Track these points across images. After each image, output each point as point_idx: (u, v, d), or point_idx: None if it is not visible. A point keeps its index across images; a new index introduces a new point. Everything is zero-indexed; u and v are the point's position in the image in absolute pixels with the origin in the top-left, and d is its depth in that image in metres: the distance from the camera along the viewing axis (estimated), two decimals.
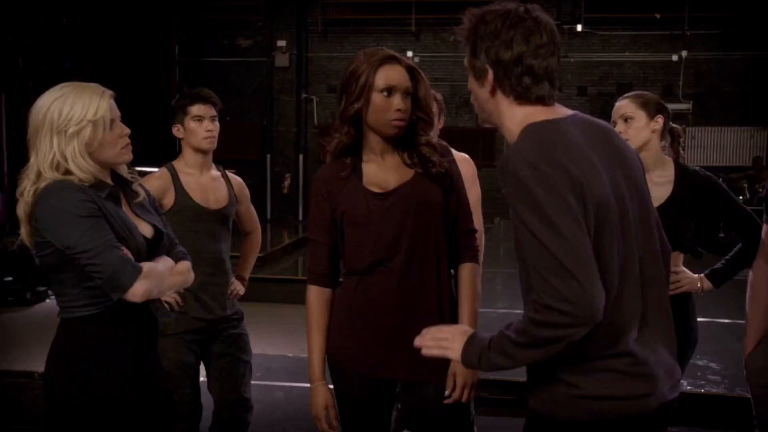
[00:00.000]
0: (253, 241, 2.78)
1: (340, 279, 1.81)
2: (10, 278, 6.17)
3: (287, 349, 4.85)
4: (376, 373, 1.72)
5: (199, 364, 2.51)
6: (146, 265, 1.63)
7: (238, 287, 2.63)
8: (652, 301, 1.33)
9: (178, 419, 2.40)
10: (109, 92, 1.69)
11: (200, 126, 2.46)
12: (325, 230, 1.75)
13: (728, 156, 11.30)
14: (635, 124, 2.27)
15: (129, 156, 1.74)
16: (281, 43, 11.97)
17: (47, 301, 6.17)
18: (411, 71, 1.71)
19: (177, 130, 2.50)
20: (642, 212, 1.34)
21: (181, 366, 2.41)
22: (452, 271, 1.79)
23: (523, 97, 1.32)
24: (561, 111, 1.36)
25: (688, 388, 3.47)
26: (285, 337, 5.21)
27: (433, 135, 2.70)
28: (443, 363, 1.70)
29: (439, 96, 2.74)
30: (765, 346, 2.06)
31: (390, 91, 1.67)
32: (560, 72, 1.36)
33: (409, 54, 12.00)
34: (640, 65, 11.65)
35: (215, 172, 2.57)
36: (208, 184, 2.51)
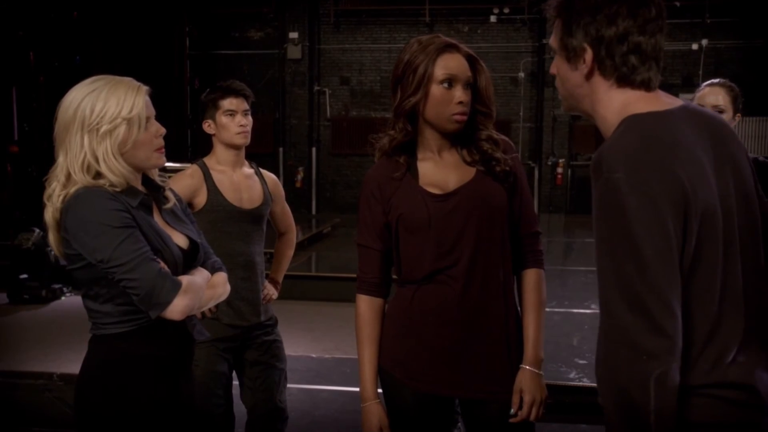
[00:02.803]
0: (287, 241, 2.65)
1: (393, 277, 1.68)
2: (25, 276, 6.09)
3: (309, 350, 4.74)
4: (434, 390, 1.59)
5: (232, 372, 2.39)
6: (185, 279, 1.50)
7: (271, 291, 2.50)
8: (754, 321, 1.18)
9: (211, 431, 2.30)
10: (145, 87, 1.56)
11: (232, 121, 2.32)
12: (378, 235, 1.62)
13: (751, 147, 11.07)
14: (724, 117, 2.21)
15: (163, 160, 1.60)
16: (293, 35, 11.85)
17: (62, 298, 6.10)
18: (470, 60, 1.57)
19: (208, 126, 2.36)
20: (749, 222, 1.19)
21: (213, 375, 2.29)
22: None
23: (626, 79, 1.17)
24: (666, 100, 1.20)
25: None
26: (305, 336, 5.10)
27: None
28: (508, 378, 1.58)
29: None
30: None
31: (451, 82, 1.53)
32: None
33: None
34: None
35: (248, 170, 2.43)
36: (242, 182, 2.37)
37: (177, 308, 1.45)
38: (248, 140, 2.37)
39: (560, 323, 4.59)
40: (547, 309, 5.68)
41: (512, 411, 1.56)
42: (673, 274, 1.07)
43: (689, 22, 11.24)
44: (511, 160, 1.61)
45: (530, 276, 1.64)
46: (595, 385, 3.72)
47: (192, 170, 2.34)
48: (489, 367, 1.57)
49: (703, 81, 10.06)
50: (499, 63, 11.88)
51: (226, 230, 2.30)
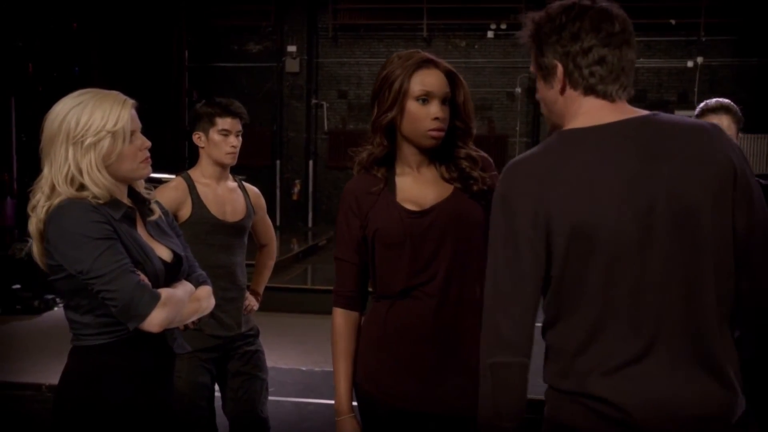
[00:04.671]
0: (268, 253, 2.69)
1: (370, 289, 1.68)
2: (18, 286, 6.09)
3: (299, 362, 4.73)
4: (409, 406, 1.59)
5: (214, 383, 2.40)
6: (165, 292, 1.51)
7: (252, 302, 2.53)
8: (667, 341, 1.16)
9: None
10: (130, 101, 1.58)
11: (225, 141, 2.35)
12: (354, 249, 1.62)
13: None
14: None
15: (148, 170, 1.62)
16: (291, 48, 11.91)
17: (55, 309, 6.09)
18: (450, 76, 1.58)
19: (198, 138, 2.38)
20: (682, 240, 1.16)
21: (195, 386, 2.30)
22: None
23: (593, 89, 1.24)
24: (620, 112, 1.24)
25: None
26: (296, 348, 5.09)
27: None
28: None
29: None
30: None
31: (427, 98, 1.54)
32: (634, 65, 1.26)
33: None
34: (654, 72, 11.51)
35: (232, 183, 2.46)
36: (225, 195, 2.40)
37: (155, 321, 1.46)
38: (236, 160, 2.40)
39: None
40: (539, 324, 5.69)
41: None
42: (520, 283, 1.20)
43: (684, 40, 11.33)
44: (489, 178, 1.61)
45: None
46: None
47: (176, 182, 2.36)
48: (463, 383, 1.57)
49: (699, 99, 10.06)
50: (496, 78, 11.95)
51: (210, 242, 2.32)
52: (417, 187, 1.60)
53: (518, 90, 11.83)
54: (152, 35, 10.87)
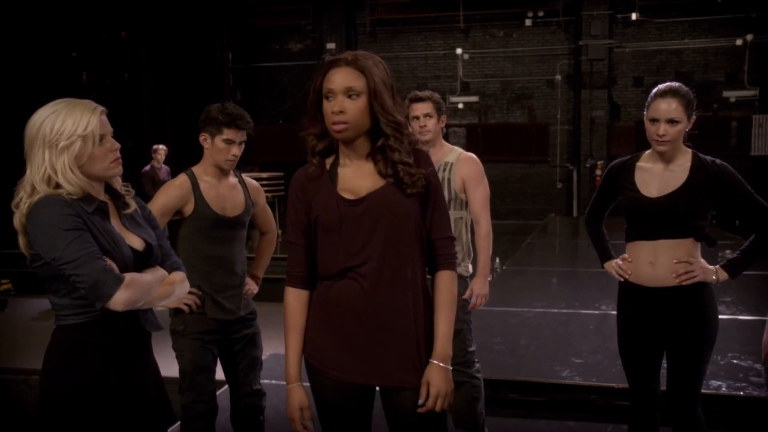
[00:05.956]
0: (268, 241, 2.88)
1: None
2: None
3: None
4: (350, 379, 1.71)
5: (216, 363, 2.61)
6: (129, 275, 1.67)
7: (252, 286, 2.73)
8: None
9: (194, 418, 2.52)
10: (100, 108, 1.75)
11: (228, 149, 2.51)
12: (302, 233, 1.75)
13: None
14: (679, 127, 2.28)
15: (118, 170, 1.80)
16: (331, 45, 12.14)
17: None
18: (364, 72, 1.64)
19: (204, 140, 2.55)
20: None
21: (197, 366, 2.51)
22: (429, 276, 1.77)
23: None
24: None
25: (724, 389, 3.31)
26: None
27: (433, 131, 2.72)
28: (419, 369, 1.69)
29: (436, 95, 2.75)
30: None
31: (330, 94, 1.64)
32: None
33: (459, 51, 11.95)
34: (700, 52, 11.16)
35: (233, 179, 2.64)
36: (226, 192, 2.58)
37: (119, 300, 1.64)
38: (234, 166, 2.59)
39: (566, 323, 4.59)
40: (555, 310, 5.62)
41: (420, 401, 1.66)
42: None
43: (732, 18, 10.93)
44: (423, 176, 1.68)
45: (442, 277, 1.73)
46: (585, 383, 3.94)
47: (181, 181, 2.54)
48: (399, 358, 1.68)
49: (749, 77, 9.72)
50: (536, 66, 11.85)
51: (211, 235, 2.52)
52: (355, 178, 1.71)
53: (558, 77, 11.69)
54: (196, 40, 11.29)
